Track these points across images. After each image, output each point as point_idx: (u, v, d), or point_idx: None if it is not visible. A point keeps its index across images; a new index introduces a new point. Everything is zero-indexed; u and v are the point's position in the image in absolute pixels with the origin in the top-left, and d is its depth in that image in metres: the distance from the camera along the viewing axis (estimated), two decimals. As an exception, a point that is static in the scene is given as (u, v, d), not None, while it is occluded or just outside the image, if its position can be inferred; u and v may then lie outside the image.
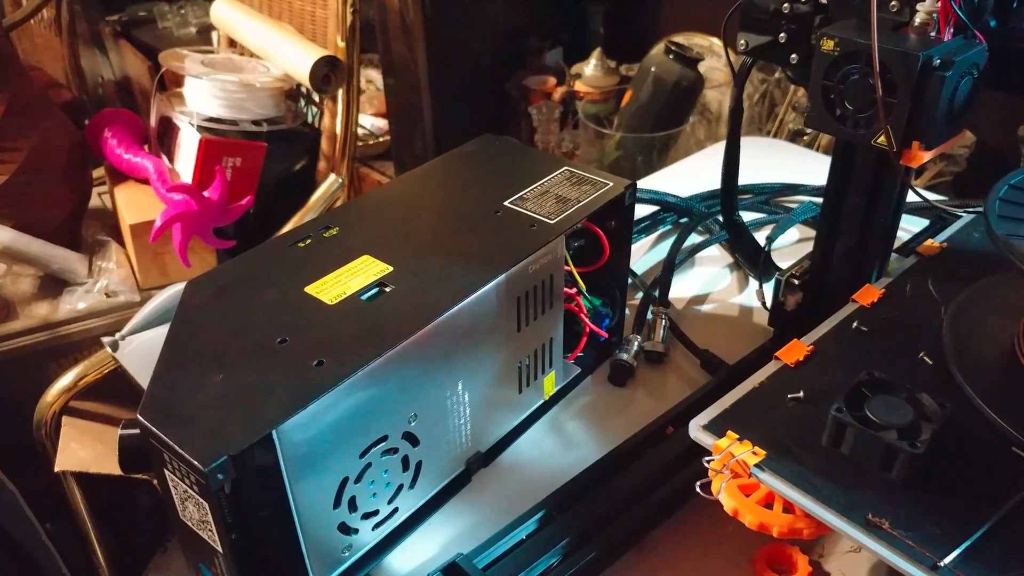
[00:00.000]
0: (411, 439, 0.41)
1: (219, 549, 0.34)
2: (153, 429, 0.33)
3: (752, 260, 0.64)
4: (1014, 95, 0.46)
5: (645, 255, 0.70)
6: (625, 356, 0.55)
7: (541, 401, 0.51)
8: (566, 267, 0.48)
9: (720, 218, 0.71)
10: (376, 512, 0.41)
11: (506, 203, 0.48)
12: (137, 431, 0.34)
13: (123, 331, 0.59)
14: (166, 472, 0.34)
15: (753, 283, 0.66)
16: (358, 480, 0.39)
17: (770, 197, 0.77)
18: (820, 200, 0.52)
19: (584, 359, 0.54)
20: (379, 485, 0.41)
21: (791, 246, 0.71)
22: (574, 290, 0.49)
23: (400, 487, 0.42)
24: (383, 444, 0.40)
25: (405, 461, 0.42)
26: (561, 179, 0.50)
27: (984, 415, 0.39)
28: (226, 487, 0.32)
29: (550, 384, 0.51)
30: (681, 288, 0.66)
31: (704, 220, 0.72)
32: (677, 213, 0.74)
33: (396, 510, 0.43)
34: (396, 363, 0.38)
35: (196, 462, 0.31)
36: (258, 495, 0.35)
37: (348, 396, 0.36)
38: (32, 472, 0.78)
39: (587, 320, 0.50)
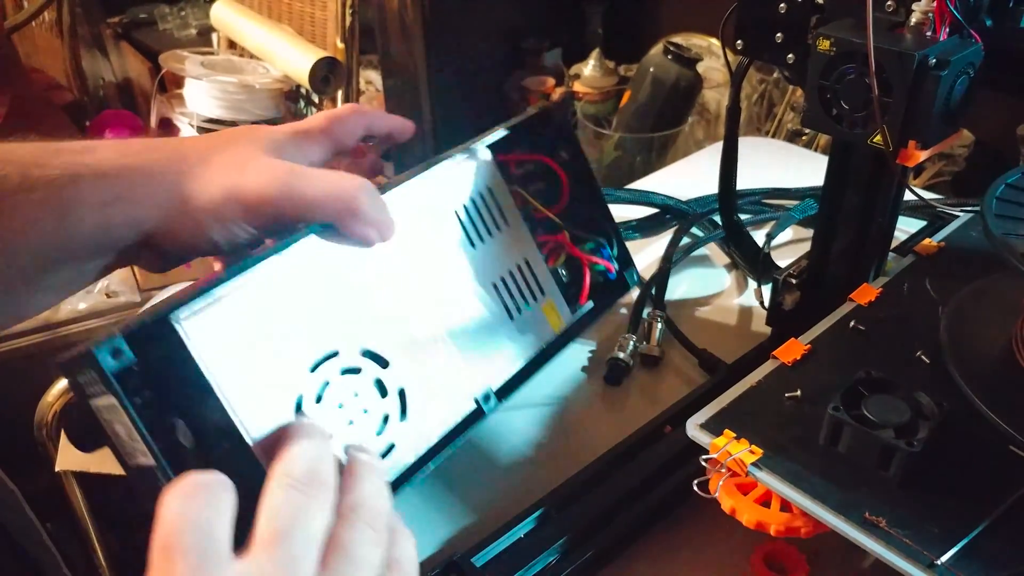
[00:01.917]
0: (379, 360, 0.40)
1: (152, 461, 0.32)
2: (66, 356, 0.31)
3: (751, 260, 0.64)
4: (1012, 95, 0.46)
5: (643, 254, 0.70)
6: (621, 355, 0.55)
7: (552, 335, 0.50)
8: (542, 211, 0.48)
9: (715, 218, 0.71)
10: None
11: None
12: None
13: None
14: (90, 403, 0.32)
15: (751, 282, 0.66)
16: (319, 400, 0.37)
17: (761, 198, 0.76)
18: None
19: (602, 297, 0.53)
20: (354, 411, 0.39)
21: (790, 245, 0.71)
22: (564, 235, 0.49)
23: (387, 416, 0.41)
24: (336, 360, 0.38)
25: (380, 385, 0.40)
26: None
27: (982, 414, 0.39)
28: (129, 377, 0.31)
29: (554, 315, 0.50)
30: (679, 288, 0.66)
31: (700, 220, 0.72)
32: (672, 215, 0.74)
33: (393, 446, 0.41)
34: (309, 260, 0.38)
35: (90, 349, 0.30)
36: (185, 400, 0.33)
37: (260, 292, 0.36)
38: (33, 472, 0.79)
39: (580, 252, 0.50)
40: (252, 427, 0.34)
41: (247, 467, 0.34)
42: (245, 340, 0.35)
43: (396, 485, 0.41)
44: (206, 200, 0.36)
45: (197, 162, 0.37)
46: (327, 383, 0.38)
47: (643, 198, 0.74)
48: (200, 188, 0.37)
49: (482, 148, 0.48)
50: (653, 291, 0.63)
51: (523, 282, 0.48)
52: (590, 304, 0.52)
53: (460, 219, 0.45)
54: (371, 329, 0.40)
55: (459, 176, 0.46)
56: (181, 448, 0.33)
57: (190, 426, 0.33)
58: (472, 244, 0.46)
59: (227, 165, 0.37)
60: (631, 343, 0.56)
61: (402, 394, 0.41)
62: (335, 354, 0.38)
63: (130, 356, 0.31)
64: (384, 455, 0.40)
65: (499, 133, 0.49)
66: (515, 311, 0.48)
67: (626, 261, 0.55)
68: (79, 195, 0.35)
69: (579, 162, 0.52)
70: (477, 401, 0.45)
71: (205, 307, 0.34)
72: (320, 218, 0.38)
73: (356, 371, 0.39)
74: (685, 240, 0.70)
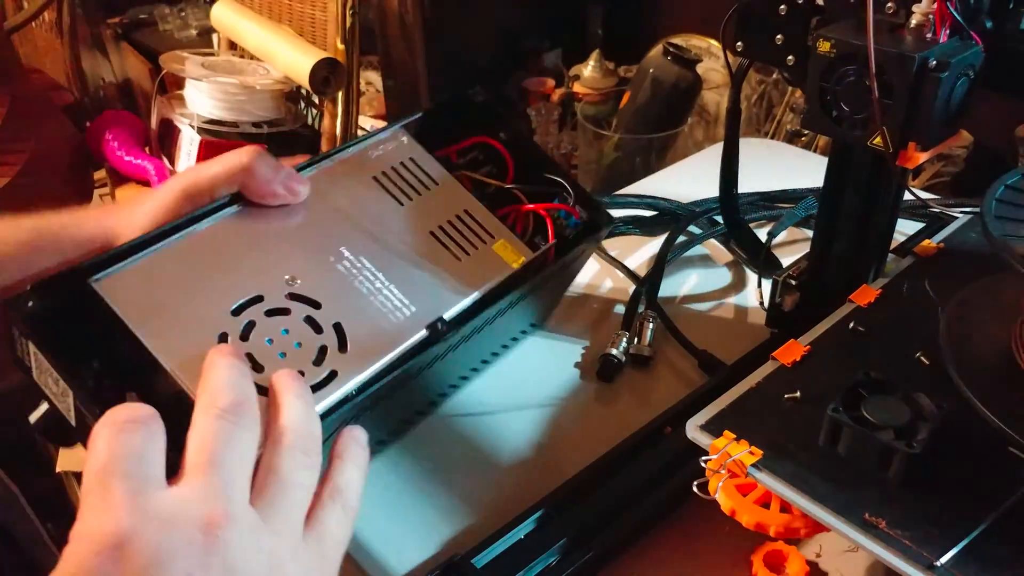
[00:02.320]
0: (308, 302, 0.41)
1: (72, 396, 0.35)
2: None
3: (754, 257, 0.64)
4: (1012, 96, 0.47)
5: (641, 252, 0.70)
6: (614, 352, 0.56)
7: (510, 269, 0.49)
8: (489, 182, 0.51)
9: (713, 218, 0.71)
10: (302, 372, 0.39)
11: None
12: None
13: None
14: (34, 377, 0.36)
15: (751, 283, 0.66)
16: (245, 338, 0.39)
17: (760, 200, 0.76)
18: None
19: (574, 239, 0.53)
20: (285, 345, 0.40)
21: (790, 245, 0.71)
22: (523, 202, 0.51)
23: (324, 348, 0.41)
24: (261, 304, 0.40)
25: (312, 323, 0.41)
26: None
27: (981, 415, 0.40)
28: (48, 327, 0.35)
29: (509, 253, 0.49)
30: (680, 287, 0.66)
31: (694, 221, 0.72)
32: (669, 216, 0.74)
33: (335, 372, 0.41)
34: (228, 227, 0.42)
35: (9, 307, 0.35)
36: (111, 349, 0.36)
37: (177, 252, 0.40)
38: (34, 472, 0.79)
39: (537, 206, 0.51)
40: (175, 364, 0.37)
41: (175, 401, 0.36)
42: (162, 290, 0.38)
43: (344, 402, 0.41)
44: (135, 227, 0.42)
45: (125, 205, 0.44)
46: (252, 323, 0.39)
47: (636, 203, 0.74)
48: (127, 219, 0.43)
49: (396, 128, 0.51)
50: (647, 290, 0.63)
51: (465, 228, 0.49)
52: (553, 242, 0.52)
53: (381, 183, 0.48)
54: (298, 277, 0.42)
55: (376, 151, 0.49)
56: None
57: (117, 371, 0.36)
58: (400, 203, 0.48)
59: (145, 197, 0.44)
60: (623, 340, 0.57)
61: (338, 327, 0.42)
62: (259, 299, 0.40)
63: (44, 305, 0.36)
64: (326, 382, 0.41)
65: (415, 115, 0.52)
66: (462, 253, 0.48)
67: (592, 204, 0.54)
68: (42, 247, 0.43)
69: (518, 137, 0.54)
70: (428, 327, 0.44)
71: (121, 266, 0.38)
72: (226, 190, 0.42)
73: (285, 312, 0.41)
74: (682, 239, 0.70)
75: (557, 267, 0.51)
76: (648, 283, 0.63)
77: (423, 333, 0.44)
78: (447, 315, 0.45)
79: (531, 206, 0.51)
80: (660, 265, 0.65)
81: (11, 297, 0.36)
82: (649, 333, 0.58)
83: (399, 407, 0.50)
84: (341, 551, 0.33)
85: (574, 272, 0.59)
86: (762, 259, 0.61)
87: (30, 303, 0.36)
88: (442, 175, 0.50)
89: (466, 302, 0.46)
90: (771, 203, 0.76)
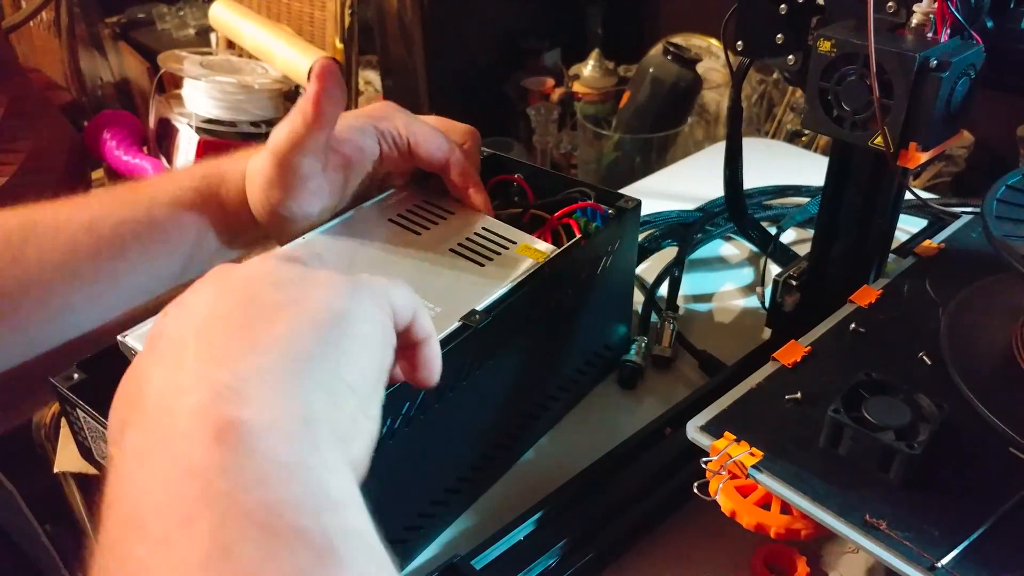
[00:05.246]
0: None
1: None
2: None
3: (765, 248, 0.65)
4: (1013, 96, 0.46)
5: (650, 261, 0.70)
6: (634, 358, 0.55)
7: (536, 264, 0.48)
8: (514, 210, 0.53)
9: (718, 220, 0.71)
10: None
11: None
12: None
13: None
14: (96, 458, 0.40)
15: (751, 284, 0.66)
16: None
17: (763, 200, 0.76)
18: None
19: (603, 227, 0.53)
20: None
21: (792, 246, 0.71)
22: (551, 219, 0.52)
23: None
24: None
25: None
26: None
27: (982, 416, 0.39)
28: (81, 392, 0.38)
29: (533, 252, 0.48)
30: (680, 289, 0.66)
31: (709, 221, 0.71)
32: (683, 227, 0.73)
33: None
34: None
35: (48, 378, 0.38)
36: None
37: None
38: (32, 473, 0.78)
39: (562, 216, 0.52)
40: None
41: None
42: None
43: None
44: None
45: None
46: None
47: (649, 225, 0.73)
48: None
49: (408, 186, 0.53)
50: (658, 294, 0.63)
51: (485, 240, 0.49)
52: (580, 236, 0.51)
53: (396, 223, 0.49)
54: None
55: (388, 202, 0.51)
56: None
57: None
58: (417, 233, 0.48)
59: None
60: (643, 345, 0.56)
61: None
62: None
63: (83, 374, 0.40)
64: None
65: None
66: (485, 260, 0.47)
67: (613, 196, 0.53)
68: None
69: (532, 168, 0.56)
70: (462, 318, 0.43)
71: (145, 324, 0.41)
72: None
73: None
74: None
75: (591, 254, 0.50)
76: (662, 285, 0.64)
77: (456, 324, 0.42)
78: (480, 305, 0.44)
79: (559, 218, 0.51)
80: (678, 272, 0.65)
81: (58, 377, 0.40)
82: (671, 335, 0.58)
83: (465, 436, 0.47)
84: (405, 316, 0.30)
85: (627, 269, 0.56)
86: (771, 251, 0.61)
87: (73, 378, 0.40)
88: (456, 205, 0.51)
89: (497, 294, 0.45)
90: (777, 197, 0.76)
